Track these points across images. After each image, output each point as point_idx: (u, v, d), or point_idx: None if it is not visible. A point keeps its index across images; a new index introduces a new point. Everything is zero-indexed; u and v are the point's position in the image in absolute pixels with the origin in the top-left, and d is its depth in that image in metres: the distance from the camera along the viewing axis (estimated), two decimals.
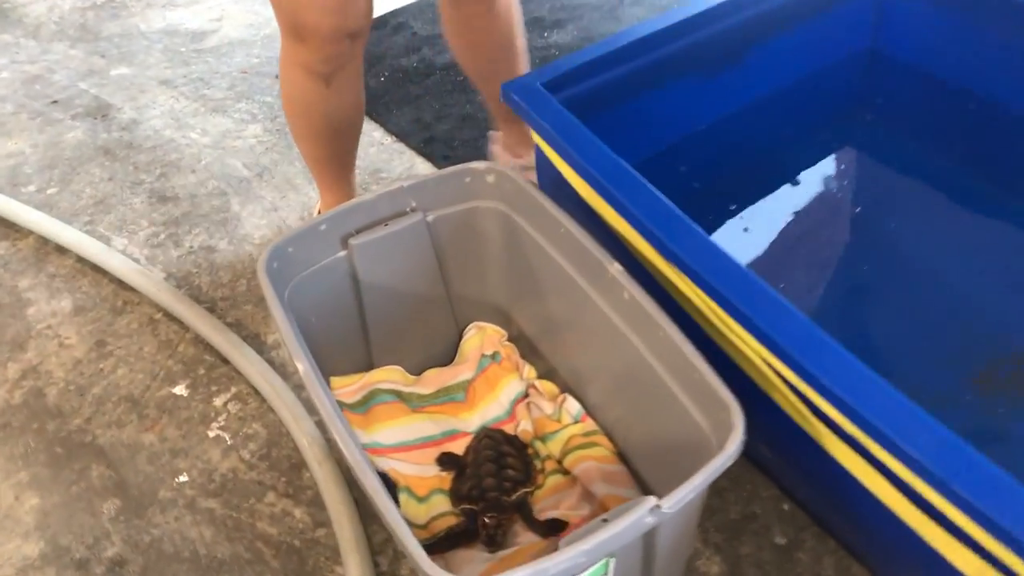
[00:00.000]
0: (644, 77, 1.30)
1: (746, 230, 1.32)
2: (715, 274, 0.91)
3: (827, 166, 1.43)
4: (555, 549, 1.01)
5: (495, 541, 1.03)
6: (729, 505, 1.12)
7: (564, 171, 1.11)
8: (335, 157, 1.32)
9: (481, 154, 1.63)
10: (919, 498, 0.78)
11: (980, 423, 0.76)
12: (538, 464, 1.11)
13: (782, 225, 1.33)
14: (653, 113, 1.35)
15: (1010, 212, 1.31)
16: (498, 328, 1.26)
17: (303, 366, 0.91)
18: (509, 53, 1.36)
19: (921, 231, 1.32)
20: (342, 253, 1.10)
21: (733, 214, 1.35)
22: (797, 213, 1.35)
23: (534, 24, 2.05)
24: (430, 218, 1.14)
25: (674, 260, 0.96)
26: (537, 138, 1.15)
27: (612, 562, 0.84)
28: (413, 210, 1.13)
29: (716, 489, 1.12)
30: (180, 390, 1.30)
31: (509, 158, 1.51)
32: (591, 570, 0.84)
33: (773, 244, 1.30)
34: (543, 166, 1.19)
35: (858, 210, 1.35)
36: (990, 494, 0.70)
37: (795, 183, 1.40)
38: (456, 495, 1.09)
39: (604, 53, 1.24)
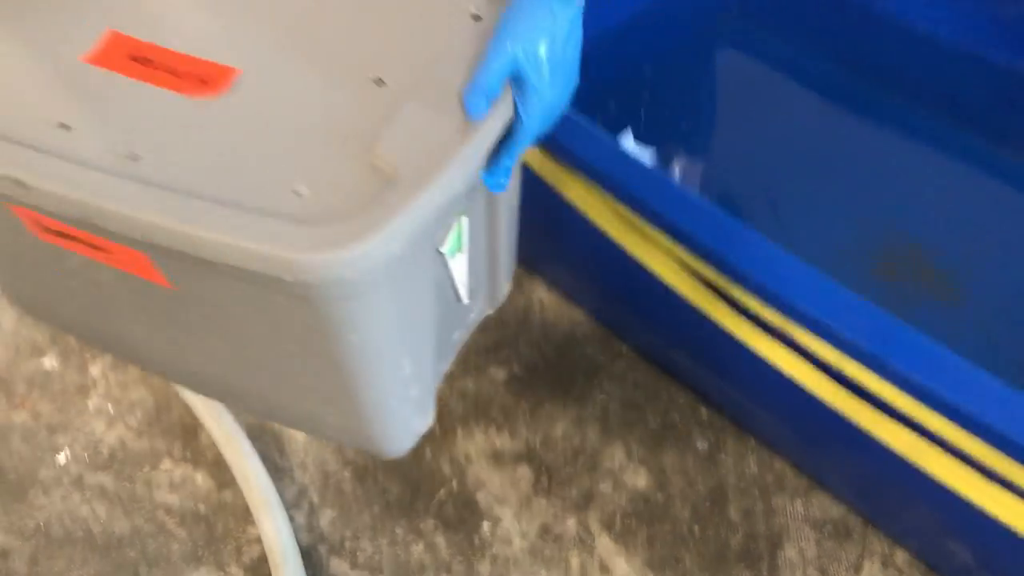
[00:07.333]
0: None
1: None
2: (625, 175, 0.88)
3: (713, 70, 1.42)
4: None
5: None
6: (647, 417, 1.11)
7: None
8: None
9: None
10: (848, 382, 0.78)
11: (887, 309, 0.77)
12: None
13: (666, 127, 1.32)
14: None
15: (886, 110, 1.34)
16: None
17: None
18: None
19: (808, 131, 1.33)
20: None
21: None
22: (680, 116, 1.34)
23: None
24: None
25: (583, 167, 0.92)
26: None
27: (465, 222, 0.78)
28: None
29: (632, 403, 1.11)
30: (49, 362, 1.18)
31: None
32: (451, 236, 0.77)
33: (660, 144, 1.30)
34: None
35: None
36: (928, 367, 0.71)
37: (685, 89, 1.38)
38: None
39: None
